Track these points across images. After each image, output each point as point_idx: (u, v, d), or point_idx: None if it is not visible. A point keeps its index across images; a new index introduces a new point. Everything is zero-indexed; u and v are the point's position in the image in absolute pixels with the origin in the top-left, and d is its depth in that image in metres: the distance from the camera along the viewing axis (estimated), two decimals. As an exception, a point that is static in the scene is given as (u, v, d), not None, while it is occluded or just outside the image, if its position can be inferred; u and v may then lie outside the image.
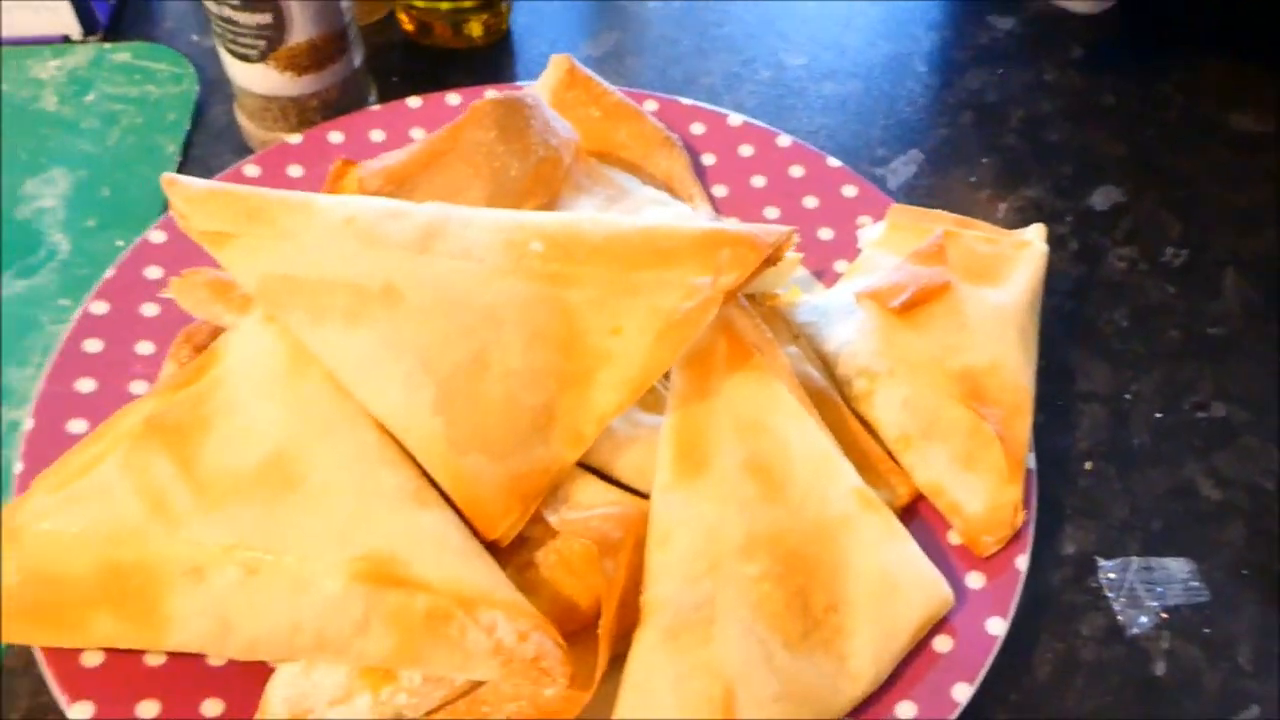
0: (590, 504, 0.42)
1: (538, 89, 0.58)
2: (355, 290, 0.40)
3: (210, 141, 0.65)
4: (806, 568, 0.42)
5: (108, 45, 0.69)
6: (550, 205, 0.49)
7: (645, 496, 0.44)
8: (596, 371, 0.42)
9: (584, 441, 0.42)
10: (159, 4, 0.73)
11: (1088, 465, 0.54)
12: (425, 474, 0.40)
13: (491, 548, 0.41)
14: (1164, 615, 0.49)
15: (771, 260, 0.45)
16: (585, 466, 0.44)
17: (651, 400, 0.46)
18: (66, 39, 0.69)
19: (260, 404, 0.39)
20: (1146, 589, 0.50)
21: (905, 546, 0.44)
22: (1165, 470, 0.54)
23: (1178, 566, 0.50)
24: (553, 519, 0.41)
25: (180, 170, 0.63)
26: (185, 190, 0.40)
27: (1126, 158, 0.68)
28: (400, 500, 0.39)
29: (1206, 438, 0.55)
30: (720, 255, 0.42)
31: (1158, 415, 0.56)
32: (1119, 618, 0.49)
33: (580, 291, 0.42)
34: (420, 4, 0.70)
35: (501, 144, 0.47)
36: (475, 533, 0.40)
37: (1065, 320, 0.59)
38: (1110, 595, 0.49)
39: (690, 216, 0.54)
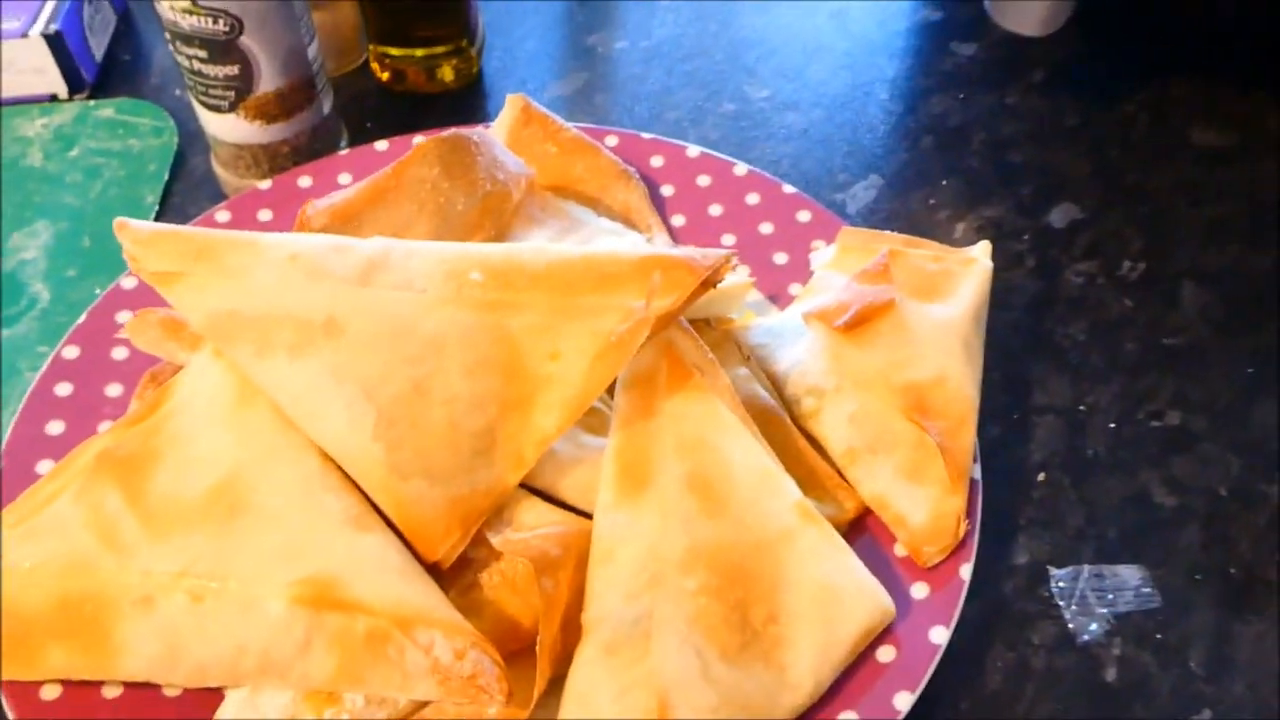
0: (534, 525, 0.43)
1: (496, 128, 0.60)
2: (299, 323, 0.41)
3: (189, 190, 0.67)
4: (746, 580, 0.43)
5: (92, 102, 0.71)
6: (499, 238, 0.51)
7: (590, 517, 0.45)
8: (536, 395, 0.43)
9: (525, 464, 0.43)
10: (145, 61, 0.76)
11: (1041, 476, 0.54)
12: (368, 499, 0.42)
13: (435, 570, 0.42)
14: (1113, 621, 0.49)
15: (709, 283, 0.46)
16: (530, 489, 0.46)
17: (596, 422, 0.48)
18: (54, 97, 0.72)
19: (208, 434, 0.41)
20: (1098, 596, 0.50)
21: (845, 558, 0.44)
22: (1120, 479, 0.54)
23: (1130, 573, 0.51)
24: (495, 540, 0.42)
25: (159, 219, 0.65)
26: (135, 233, 0.42)
27: (1089, 176, 0.69)
28: (342, 524, 0.40)
29: (1163, 446, 0.55)
30: (653, 277, 0.43)
31: (1113, 425, 0.56)
32: (1070, 625, 0.49)
33: (520, 318, 0.44)
34: (395, 52, 0.72)
35: (446, 180, 0.49)
36: (417, 555, 0.41)
37: (1022, 335, 0.60)
38: (1061, 603, 0.50)
39: (642, 246, 0.55)
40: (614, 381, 0.47)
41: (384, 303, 0.42)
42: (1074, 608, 0.50)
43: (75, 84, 0.72)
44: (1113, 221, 0.66)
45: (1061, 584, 0.50)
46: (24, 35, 0.69)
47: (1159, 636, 0.49)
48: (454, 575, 0.42)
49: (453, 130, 0.51)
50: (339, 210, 0.49)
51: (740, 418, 0.47)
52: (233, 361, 0.42)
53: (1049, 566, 0.51)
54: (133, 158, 0.68)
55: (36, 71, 0.71)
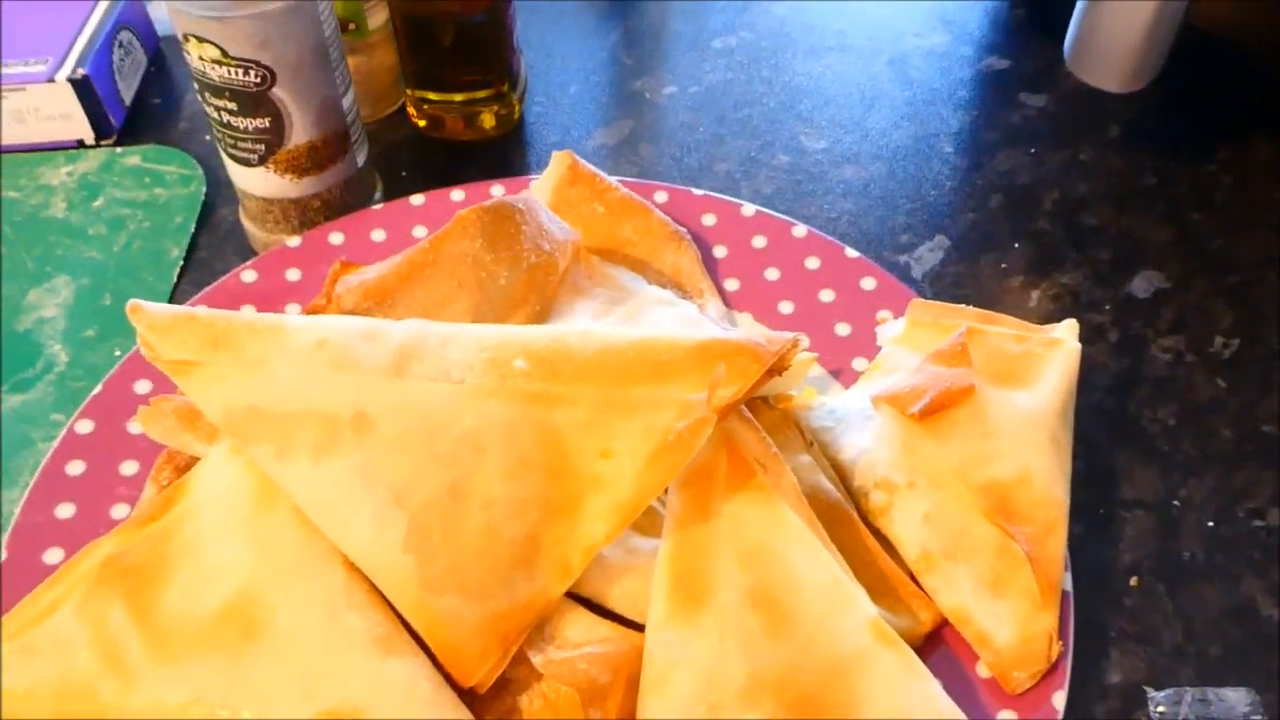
0: (579, 641, 0.39)
1: (539, 186, 0.56)
2: (325, 420, 0.37)
3: (216, 244, 0.64)
4: (816, 711, 0.38)
5: (119, 150, 0.68)
6: (544, 312, 0.47)
7: (642, 628, 0.40)
8: (585, 498, 0.39)
9: (571, 574, 0.39)
10: (174, 104, 0.73)
11: (1133, 582, 0.49)
12: (398, 616, 0.37)
13: (470, 694, 0.38)
14: (1223, 755, 0.44)
15: (776, 370, 0.42)
16: (576, 597, 0.41)
17: (648, 523, 0.43)
18: (81, 143, 0.69)
19: (223, 543, 0.37)
20: (1203, 724, 0.45)
21: (926, 685, 0.40)
22: (1221, 587, 0.49)
23: (1237, 698, 0.46)
24: (537, 660, 0.38)
25: (183, 274, 0.62)
26: (150, 318, 0.38)
27: (1170, 242, 0.64)
28: (367, 648, 0.36)
29: (1266, 550, 0.50)
30: (716, 369, 0.39)
31: (1210, 524, 0.51)
32: (1173, 757, 0.44)
33: (568, 412, 0.40)
34: (434, 97, 0.69)
35: (488, 253, 0.45)
36: (451, 679, 0.37)
37: (1106, 419, 0.55)
38: (1162, 731, 0.45)
39: (696, 317, 0.51)
40: (668, 477, 0.42)
41: (418, 396, 0.38)
42: (1175, 736, 0.45)
43: (102, 129, 0.69)
44: (1198, 293, 0.61)
45: (1162, 709, 0.45)
46: (50, 80, 0.66)
47: (1270, 772, 0.44)
48: (491, 699, 0.38)
49: (496, 198, 0.47)
50: (371, 288, 0.45)
51: (807, 519, 0.42)
52: (252, 460, 0.38)
53: (1146, 688, 0.46)
54: (158, 208, 0.65)
55: (63, 117, 0.68)
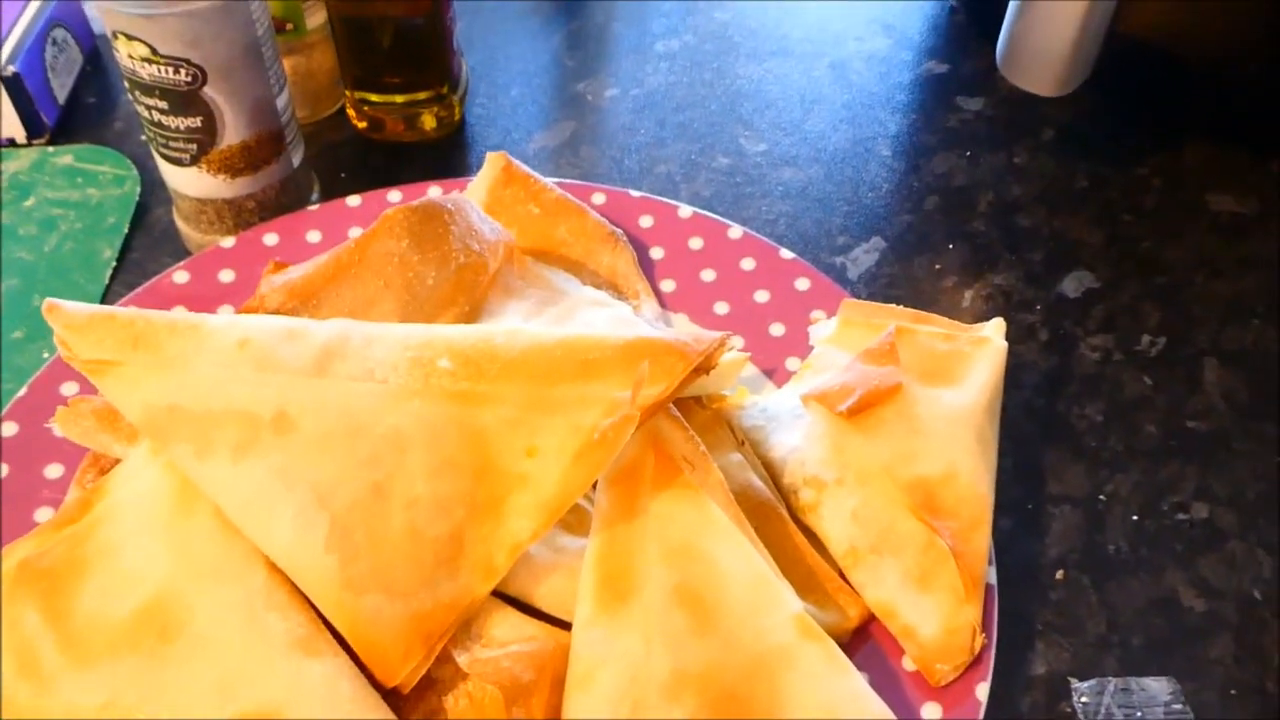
0: (505, 640, 0.39)
1: (474, 188, 0.56)
2: (245, 419, 0.37)
3: (150, 246, 0.63)
4: (739, 708, 0.38)
5: (51, 149, 0.68)
6: (474, 313, 0.47)
7: (569, 626, 0.41)
8: (509, 497, 0.39)
9: (496, 573, 0.39)
10: (110, 103, 0.72)
11: (1059, 575, 0.50)
12: (321, 616, 0.37)
13: (394, 694, 0.37)
14: (1143, 745, 0.45)
15: (703, 368, 0.42)
16: (504, 596, 0.41)
17: (576, 521, 0.43)
18: (12, 142, 0.68)
19: (142, 545, 0.37)
20: (1125, 712, 0.46)
21: (850, 681, 0.40)
22: (1145, 579, 0.50)
23: (1159, 687, 0.47)
24: (462, 659, 0.38)
25: (116, 276, 0.61)
26: (67, 317, 0.38)
27: (1102, 243, 0.65)
28: (287, 649, 0.35)
29: (1189, 542, 0.52)
30: (640, 367, 0.39)
31: (1135, 518, 0.52)
32: (1095, 748, 0.45)
33: (493, 411, 0.40)
34: (374, 98, 0.68)
35: (415, 253, 0.45)
36: (374, 680, 0.37)
37: (1035, 416, 0.56)
38: (1085, 722, 0.46)
39: (629, 318, 0.51)
40: (596, 476, 0.43)
41: (341, 396, 0.38)
42: (1097, 726, 0.45)
43: (34, 128, 0.68)
44: (1128, 293, 0.62)
45: (1085, 699, 0.46)
46: (-21, 77, 0.65)
47: (1190, 760, 0.45)
48: (415, 699, 0.38)
49: (424, 198, 0.47)
50: (296, 288, 0.45)
51: (733, 517, 0.43)
52: (172, 461, 0.37)
53: (1070, 678, 0.47)
54: (91, 209, 0.64)
55: (-8, 114, 0.67)
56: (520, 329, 0.41)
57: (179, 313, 0.40)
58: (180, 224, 0.61)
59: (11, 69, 0.66)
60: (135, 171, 0.66)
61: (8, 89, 0.66)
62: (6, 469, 0.47)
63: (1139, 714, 0.46)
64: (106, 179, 0.66)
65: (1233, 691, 0.47)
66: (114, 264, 0.62)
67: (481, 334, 0.41)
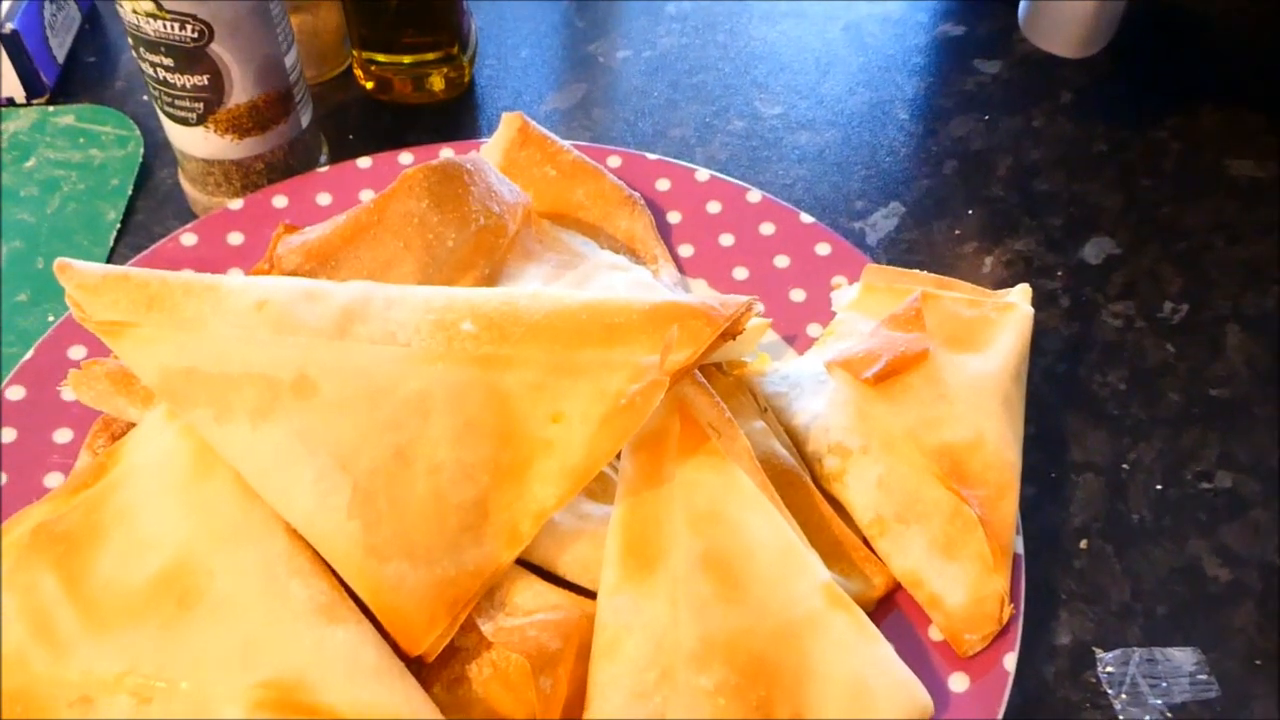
0: (530, 608, 0.38)
1: (489, 149, 0.55)
2: (265, 382, 0.36)
3: (154, 207, 0.62)
4: (768, 676, 0.38)
5: (52, 108, 0.66)
6: (493, 276, 0.46)
7: (593, 595, 0.40)
8: (534, 462, 0.38)
9: (521, 540, 0.38)
10: (110, 63, 0.70)
11: (1083, 544, 0.50)
12: (343, 583, 0.36)
13: (417, 663, 0.37)
14: (1169, 713, 0.45)
15: (729, 333, 0.42)
16: (527, 564, 0.41)
17: (600, 488, 0.43)
18: (11, 102, 0.66)
19: (159, 509, 0.36)
20: (1150, 683, 0.45)
21: (877, 649, 0.40)
22: (1168, 548, 0.50)
23: (1184, 657, 0.46)
24: (487, 628, 0.37)
25: (120, 238, 0.60)
26: (80, 276, 0.37)
27: (1121, 208, 0.64)
28: (309, 616, 0.35)
29: (1212, 511, 0.51)
30: (669, 332, 0.38)
31: (1159, 487, 0.52)
32: (1120, 717, 0.45)
33: (517, 375, 0.39)
34: (382, 58, 0.67)
35: (435, 214, 0.44)
36: (398, 648, 0.36)
37: (1057, 383, 0.56)
38: (1110, 691, 0.45)
39: (649, 282, 0.50)
40: (620, 442, 0.42)
41: (362, 358, 0.37)
42: (1124, 697, 0.45)
43: (34, 88, 0.66)
44: (1148, 259, 0.61)
45: (1110, 669, 0.46)
46: (-23, 34, 0.64)
47: (1216, 729, 0.44)
48: (439, 667, 0.37)
49: (443, 158, 0.46)
50: (314, 249, 0.44)
51: (760, 484, 0.42)
52: (189, 425, 0.37)
53: (1095, 648, 0.46)
54: (94, 170, 0.63)
55: (-10, 72, 0.65)
56: (544, 292, 0.40)
57: (191, 274, 0.38)
58: (186, 185, 0.60)
59: (10, 26, 0.64)
60: (138, 132, 0.65)
61: (6, 47, 0.64)
62: (15, 433, 0.46)
63: (1164, 684, 0.45)
64: (109, 139, 0.65)
65: (1257, 661, 0.46)
66: (118, 226, 0.60)
67: (504, 296, 0.40)
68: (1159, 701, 0.45)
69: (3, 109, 0.66)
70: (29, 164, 0.63)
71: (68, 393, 0.48)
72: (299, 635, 0.34)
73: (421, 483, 0.37)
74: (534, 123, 0.55)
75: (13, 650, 0.34)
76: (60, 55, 0.69)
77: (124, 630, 0.34)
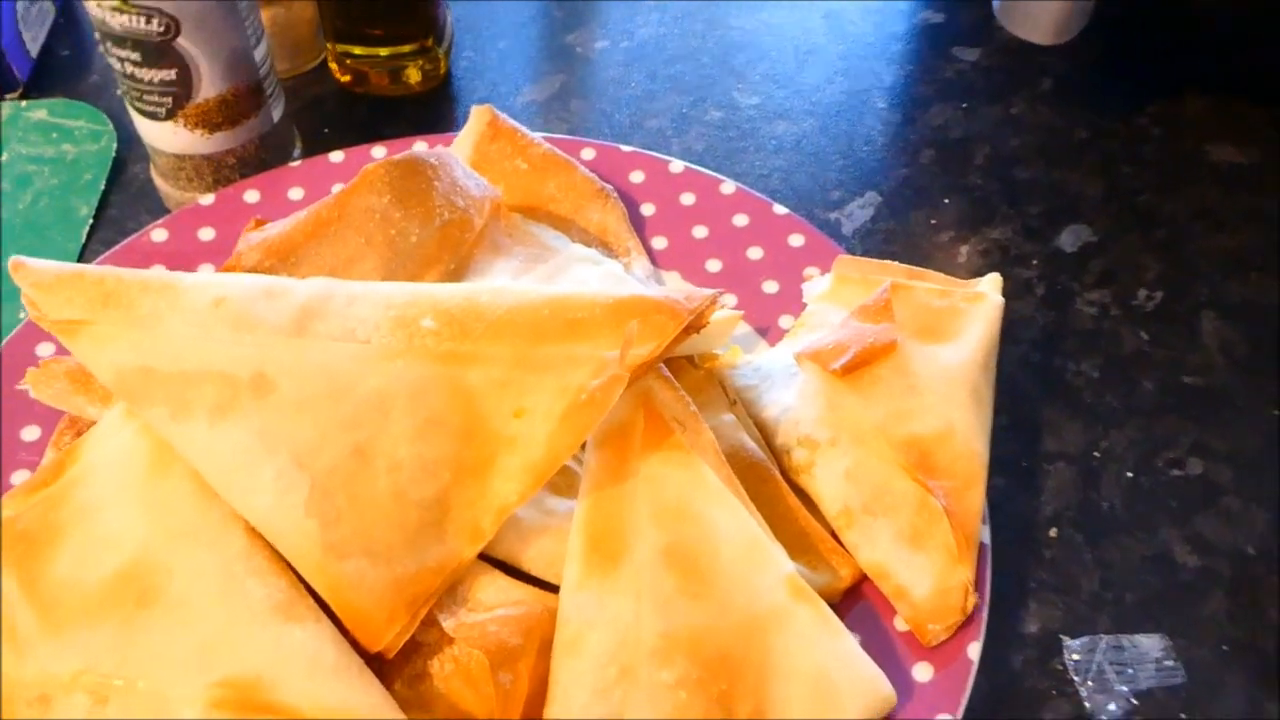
0: (492, 604, 0.38)
1: (459, 143, 0.55)
2: (223, 380, 0.36)
3: (127, 203, 0.62)
4: (730, 670, 0.38)
5: (24, 103, 0.66)
6: (459, 271, 0.46)
7: (558, 590, 0.40)
8: (497, 458, 0.38)
9: (482, 536, 0.38)
10: (85, 57, 0.70)
11: (1053, 533, 0.50)
12: (303, 581, 0.37)
13: (379, 660, 0.37)
14: (1134, 700, 0.45)
15: (694, 327, 0.41)
16: (492, 560, 0.41)
17: (564, 483, 0.43)
18: (-17, 97, 0.66)
19: (117, 508, 0.36)
20: (1116, 670, 0.46)
21: (841, 642, 0.40)
22: (1139, 536, 0.50)
23: (1151, 644, 0.46)
24: (448, 624, 0.37)
25: (93, 233, 0.60)
26: (34, 275, 0.36)
27: (1100, 196, 0.64)
28: (267, 614, 0.35)
29: (1184, 499, 0.51)
30: (629, 326, 0.38)
31: (1130, 475, 0.52)
32: (1086, 704, 0.45)
33: (480, 371, 0.39)
34: (359, 52, 0.67)
35: (397, 209, 0.43)
36: (358, 645, 0.36)
37: (1031, 372, 0.56)
38: (1076, 679, 0.45)
39: (620, 275, 0.50)
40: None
41: (321, 356, 0.37)
42: (1090, 684, 0.45)
43: (6, 82, 0.66)
44: (1127, 246, 0.61)
45: (1076, 656, 0.46)
46: (-52, 29, 0.63)
47: (1184, 717, 0.44)
48: (400, 664, 0.37)
49: (406, 152, 0.46)
50: (274, 246, 0.44)
51: (725, 478, 0.42)
52: (147, 423, 0.36)
53: (1062, 636, 0.46)
54: (67, 165, 0.63)
55: (-38, 68, 0.65)
56: (506, 288, 0.40)
57: (147, 271, 0.38)
58: (158, 181, 0.60)
59: (-19, 21, 0.64)
60: (111, 127, 0.65)
61: (-22, 41, 0.64)
62: (-18, 432, 0.46)
63: (1130, 670, 0.45)
64: (82, 134, 0.64)
65: (1225, 648, 0.46)
66: (91, 221, 0.60)
67: (466, 292, 0.40)
68: (1125, 688, 0.45)
69: (-24, 104, 0.66)
70: (1, 158, 0.63)
71: (31, 390, 0.48)
72: (256, 634, 0.34)
73: (381, 480, 0.37)
74: (504, 115, 0.55)
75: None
76: (34, 49, 0.69)
77: (82, 629, 0.34)
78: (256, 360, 0.36)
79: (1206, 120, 0.68)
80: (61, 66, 0.70)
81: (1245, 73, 0.70)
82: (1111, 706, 0.45)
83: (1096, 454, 0.52)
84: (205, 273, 0.38)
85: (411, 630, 0.37)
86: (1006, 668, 0.46)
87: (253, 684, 0.34)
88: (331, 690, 0.34)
